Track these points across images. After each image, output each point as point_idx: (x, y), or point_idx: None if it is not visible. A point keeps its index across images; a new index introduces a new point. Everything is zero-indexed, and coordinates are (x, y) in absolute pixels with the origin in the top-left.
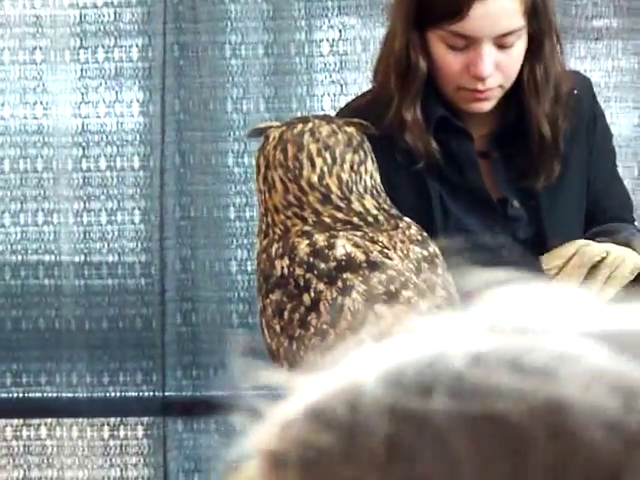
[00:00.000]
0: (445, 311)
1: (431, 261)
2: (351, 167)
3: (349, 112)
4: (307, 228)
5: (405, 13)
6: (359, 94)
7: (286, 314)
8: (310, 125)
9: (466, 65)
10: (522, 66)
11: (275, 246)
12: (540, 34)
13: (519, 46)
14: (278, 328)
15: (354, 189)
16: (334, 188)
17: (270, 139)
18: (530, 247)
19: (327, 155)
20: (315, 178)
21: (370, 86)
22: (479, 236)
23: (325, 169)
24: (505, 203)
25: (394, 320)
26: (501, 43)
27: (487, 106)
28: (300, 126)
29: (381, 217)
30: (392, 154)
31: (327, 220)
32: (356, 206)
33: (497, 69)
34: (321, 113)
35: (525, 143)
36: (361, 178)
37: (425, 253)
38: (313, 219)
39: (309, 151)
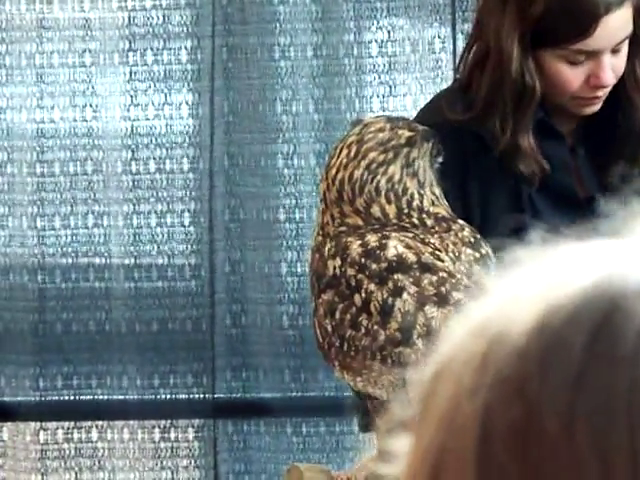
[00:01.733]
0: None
1: (483, 263)
2: (368, 165)
3: (442, 123)
4: (360, 228)
5: (520, 35)
6: (440, 104)
7: (337, 314)
8: (372, 121)
9: (587, 77)
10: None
11: (328, 245)
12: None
13: (624, 49)
14: (330, 328)
15: (365, 189)
16: (347, 186)
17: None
18: None
19: (353, 149)
20: (333, 171)
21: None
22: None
23: (344, 161)
24: (592, 201)
25: (444, 322)
26: (616, 49)
27: (598, 107)
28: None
29: (414, 220)
30: (488, 160)
31: (349, 221)
32: (374, 210)
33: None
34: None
35: (610, 137)
36: (374, 179)
37: (477, 255)
38: (337, 219)
39: (345, 144)
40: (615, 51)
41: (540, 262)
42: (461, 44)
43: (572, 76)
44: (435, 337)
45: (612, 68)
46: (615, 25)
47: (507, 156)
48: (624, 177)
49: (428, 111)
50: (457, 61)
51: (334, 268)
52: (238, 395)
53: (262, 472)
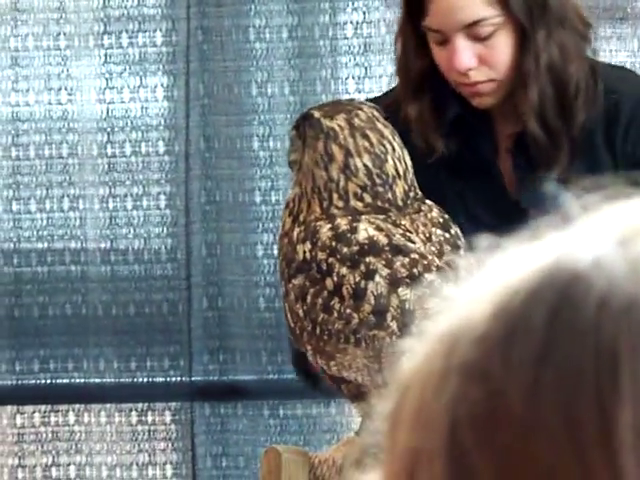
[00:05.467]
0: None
1: (453, 243)
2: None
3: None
4: (332, 211)
5: (403, 12)
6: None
7: (309, 298)
8: (359, 110)
9: (450, 60)
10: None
11: (297, 230)
12: (529, 23)
13: (499, 37)
14: (301, 312)
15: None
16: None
17: (337, 128)
18: None
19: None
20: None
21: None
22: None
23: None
24: (519, 204)
25: (417, 303)
26: (474, 34)
27: (486, 101)
28: (361, 113)
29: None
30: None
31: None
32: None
33: (481, 63)
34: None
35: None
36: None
37: (447, 235)
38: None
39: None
40: (477, 38)
41: (489, 265)
42: None
43: (439, 56)
44: (409, 318)
45: (480, 57)
46: (454, 5)
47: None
48: (558, 184)
49: (386, 92)
50: None
51: (304, 252)
52: (215, 378)
53: (240, 454)
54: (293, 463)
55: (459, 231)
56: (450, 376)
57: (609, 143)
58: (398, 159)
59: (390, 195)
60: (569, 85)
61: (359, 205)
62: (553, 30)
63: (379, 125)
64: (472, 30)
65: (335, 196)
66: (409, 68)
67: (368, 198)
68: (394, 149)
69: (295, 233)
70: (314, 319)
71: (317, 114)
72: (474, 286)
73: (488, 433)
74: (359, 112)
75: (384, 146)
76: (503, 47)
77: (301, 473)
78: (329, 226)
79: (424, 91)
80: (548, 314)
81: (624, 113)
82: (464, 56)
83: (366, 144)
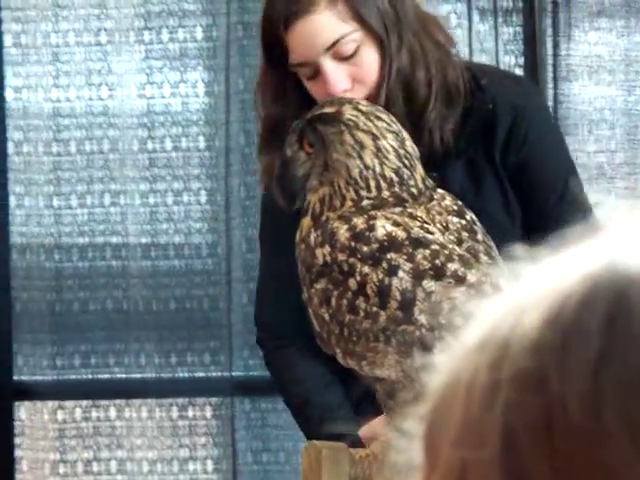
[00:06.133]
0: (493, 276)
1: (470, 229)
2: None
3: None
4: (345, 213)
5: (263, 61)
6: None
7: (333, 301)
8: (352, 100)
9: (325, 88)
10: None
11: (313, 234)
12: (384, 33)
13: (364, 53)
14: (327, 316)
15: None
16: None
17: (352, 117)
18: None
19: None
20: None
21: None
22: None
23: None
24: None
25: (444, 294)
26: (339, 55)
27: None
28: (355, 101)
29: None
30: None
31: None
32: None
33: (355, 82)
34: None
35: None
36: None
37: (463, 222)
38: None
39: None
40: (342, 58)
41: (525, 273)
42: (477, 19)
43: (315, 91)
44: (436, 310)
45: (353, 76)
46: (310, 31)
47: None
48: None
49: None
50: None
51: (324, 256)
52: (255, 373)
53: (280, 450)
54: (333, 459)
55: (474, 216)
56: (501, 386)
57: (488, 154)
58: (409, 139)
59: (412, 182)
60: (417, 89)
61: (386, 195)
62: (404, 39)
63: (377, 107)
64: (336, 51)
65: (372, 183)
66: (265, 118)
67: (396, 186)
68: (402, 129)
69: (312, 238)
70: (341, 321)
71: (326, 111)
72: (512, 295)
73: (545, 441)
74: (353, 101)
75: (396, 125)
76: (369, 61)
77: (342, 469)
78: (346, 227)
79: (278, 144)
80: (604, 320)
81: (502, 126)
82: (338, 80)
83: (384, 124)
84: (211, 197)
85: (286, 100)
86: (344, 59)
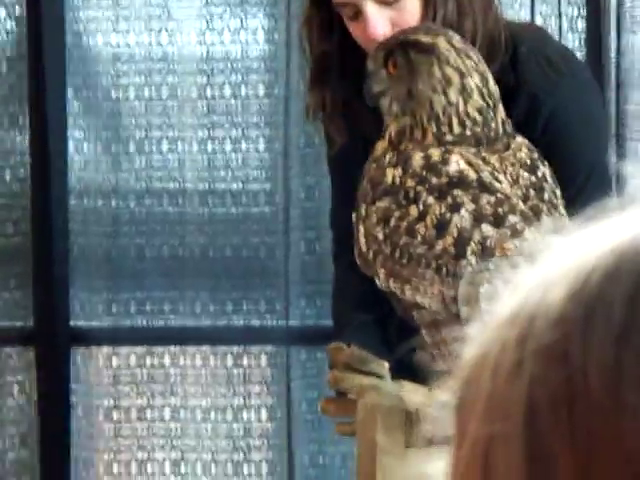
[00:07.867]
0: (550, 237)
1: (539, 187)
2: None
3: None
4: (446, 139)
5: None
6: None
7: (393, 221)
8: (447, 32)
9: (365, 31)
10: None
11: (389, 155)
12: None
13: (411, 2)
14: (381, 235)
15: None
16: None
17: (445, 51)
18: None
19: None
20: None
21: None
22: None
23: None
24: None
25: (498, 242)
26: (384, 1)
27: None
28: (451, 33)
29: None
30: None
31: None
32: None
33: (395, 27)
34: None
35: None
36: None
37: (533, 179)
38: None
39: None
40: (385, 3)
41: (555, 246)
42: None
43: (355, 31)
44: (487, 256)
45: (393, 22)
46: None
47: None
48: None
49: None
50: None
51: (393, 177)
52: (311, 322)
53: None
54: (387, 409)
55: (547, 171)
56: (526, 360)
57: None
58: (493, 80)
59: (494, 124)
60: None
61: (468, 134)
62: None
63: (469, 45)
64: None
65: (455, 121)
66: (313, 54)
67: (479, 126)
68: (488, 70)
69: (387, 158)
70: (395, 242)
71: (422, 39)
72: (541, 268)
73: (567, 415)
74: (449, 33)
75: (483, 64)
76: (411, 8)
77: (396, 419)
78: (422, 154)
79: (328, 80)
80: (627, 294)
81: (520, 108)
82: (377, 23)
83: (472, 63)
84: (270, 145)
85: (331, 38)
86: (386, 3)
